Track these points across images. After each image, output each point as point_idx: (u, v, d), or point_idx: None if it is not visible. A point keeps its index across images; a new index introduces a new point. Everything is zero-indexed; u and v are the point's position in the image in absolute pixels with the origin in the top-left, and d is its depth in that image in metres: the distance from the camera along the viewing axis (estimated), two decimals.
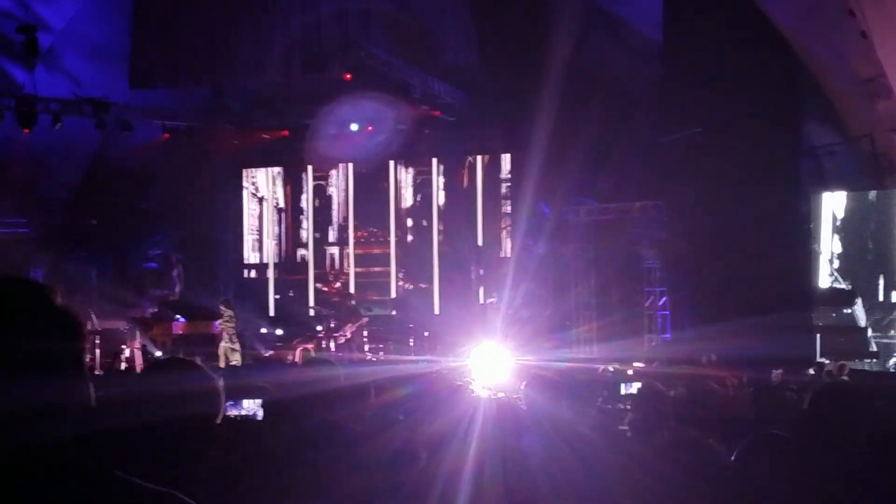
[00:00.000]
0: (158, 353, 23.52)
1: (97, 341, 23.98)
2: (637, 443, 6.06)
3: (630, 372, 18.20)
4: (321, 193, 29.24)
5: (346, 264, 28.86)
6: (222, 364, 22.32)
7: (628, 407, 10.26)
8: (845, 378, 14.60)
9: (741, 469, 3.41)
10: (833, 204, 20.71)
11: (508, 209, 27.24)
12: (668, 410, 6.86)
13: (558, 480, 4.99)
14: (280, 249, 29.63)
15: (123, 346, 22.91)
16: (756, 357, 16.65)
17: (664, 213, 22.27)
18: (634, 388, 8.93)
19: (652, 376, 15.31)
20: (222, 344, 23.34)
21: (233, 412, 8.51)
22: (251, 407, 8.51)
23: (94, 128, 24.92)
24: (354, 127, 26.58)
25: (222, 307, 23.82)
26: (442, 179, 28.03)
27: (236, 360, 23.02)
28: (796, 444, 3.43)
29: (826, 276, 20.97)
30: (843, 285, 20.79)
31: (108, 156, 27.53)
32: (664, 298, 23.03)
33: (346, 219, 28.93)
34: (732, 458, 3.43)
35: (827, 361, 16.96)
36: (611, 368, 18.48)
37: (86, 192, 27.58)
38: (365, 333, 23.53)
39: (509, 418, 3.48)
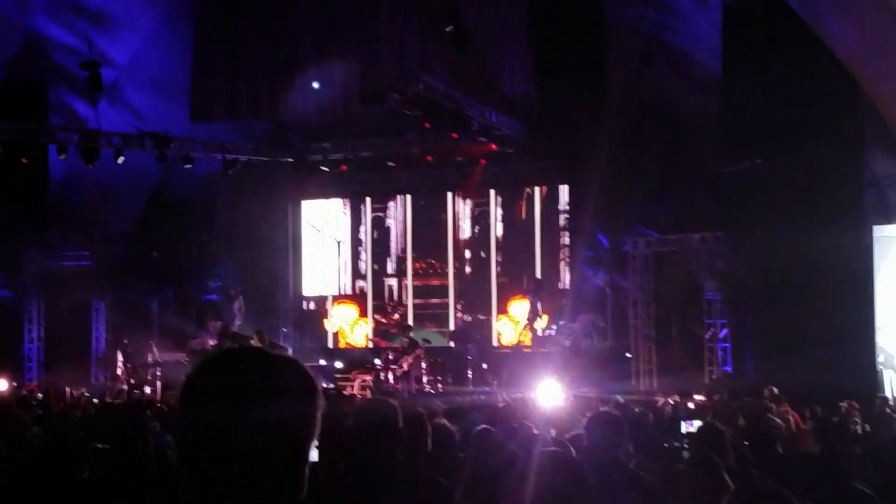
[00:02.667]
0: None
1: (158, 373, 24.24)
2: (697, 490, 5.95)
3: (691, 405, 17.96)
4: (380, 225, 29.35)
5: (404, 296, 28.90)
6: None
7: (686, 446, 10.14)
8: None
9: None
10: None
11: (567, 240, 27.14)
12: (728, 451, 6.76)
13: None
14: (339, 281, 29.73)
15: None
16: (819, 390, 16.40)
17: (725, 245, 22.04)
18: (695, 426, 8.80)
19: (713, 410, 15.11)
20: None
21: None
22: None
23: (155, 161, 25.23)
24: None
25: (256, 338, 23.63)
26: (500, 211, 28.01)
27: None
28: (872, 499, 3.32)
29: None
30: None
31: (170, 189, 27.90)
32: (725, 330, 22.76)
33: (404, 250, 28.99)
34: None
35: (890, 396, 16.62)
36: (671, 401, 18.26)
37: (147, 225, 27.96)
38: (423, 365, 23.47)
39: (563, 477, 3.42)
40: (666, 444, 11.38)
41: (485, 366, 24.52)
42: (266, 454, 1.99)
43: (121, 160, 24.41)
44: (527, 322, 25.60)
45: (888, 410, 14.84)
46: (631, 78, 24.26)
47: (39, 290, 26.38)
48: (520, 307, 26.68)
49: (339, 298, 29.38)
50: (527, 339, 25.96)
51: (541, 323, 25.13)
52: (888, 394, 17.85)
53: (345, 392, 20.72)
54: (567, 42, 22.81)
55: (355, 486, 4.39)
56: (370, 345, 27.45)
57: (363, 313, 29.06)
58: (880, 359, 18.86)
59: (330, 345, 28.91)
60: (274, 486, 2.00)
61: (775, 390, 16.14)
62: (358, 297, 29.32)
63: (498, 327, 27.51)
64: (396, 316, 28.58)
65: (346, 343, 29.06)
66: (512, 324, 27.24)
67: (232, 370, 2.06)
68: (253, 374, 2.04)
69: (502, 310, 27.58)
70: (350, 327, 29.20)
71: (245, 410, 1.98)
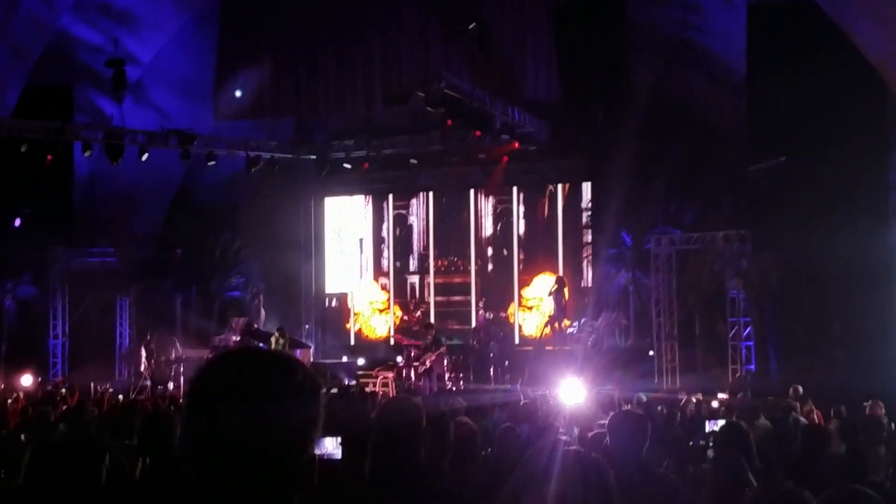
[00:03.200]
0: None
1: (181, 369, 24.36)
2: (721, 489, 5.94)
3: (714, 404, 17.91)
4: (402, 223, 29.39)
5: (426, 293, 28.93)
6: None
7: (710, 445, 10.12)
8: None
9: None
10: None
11: (589, 238, 27.09)
12: (752, 451, 6.74)
13: None
14: (361, 279, 29.78)
15: None
16: (844, 390, 16.33)
17: (749, 243, 21.97)
18: (719, 425, 8.78)
19: (737, 409, 15.06)
20: None
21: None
22: (330, 446, 8.46)
23: (179, 160, 25.34)
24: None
25: (277, 335, 23.76)
26: (522, 208, 28.00)
27: None
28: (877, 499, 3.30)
29: None
30: None
31: (193, 188, 28.04)
32: (748, 329, 22.69)
33: (426, 248, 29.03)
34: None
35: None
36: (694, 400, 18.22)
37: (171, 224, 28.11)
38: (445, 363, 23.48)
39: (587, 477, 3.42)
40: (690, 443, 11.37)
41: (507, 363, 24.52)
42: (268, 451, 2.04)
43: (145, 157, 24.50)
44: (549, 320, 25.57)
45: None
46: (655, 77, 24.21)
47: (64, 288, 26.58)
48: (544, 282, 26.64)
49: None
50: (545, 331, 25.87)
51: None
52: None
53: (367, 389, 20.74)
54: (591, 41, 22.75)
55: (378, 484, 4.39)
56: (392, 342, 27.51)
57: (387, 304, 29.14)
58: None
59: (352, 342, 28.98)
60: (277, 482, 2.05)
61: (800, 389, 16.07)
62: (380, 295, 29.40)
63: (519, 319, 27.50)
64: (418, 314, 28.63)
65: (365, 335, 29.12)
66: (535, 306, 27.17)
67: (236, 370, 2.10)
68: (256, 374, 2.08)
69: (526, 283, 27.58)
70: (372, 311, 29.25)
71: (248, 409, 2.02)
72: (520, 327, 27.49)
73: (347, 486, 4.69)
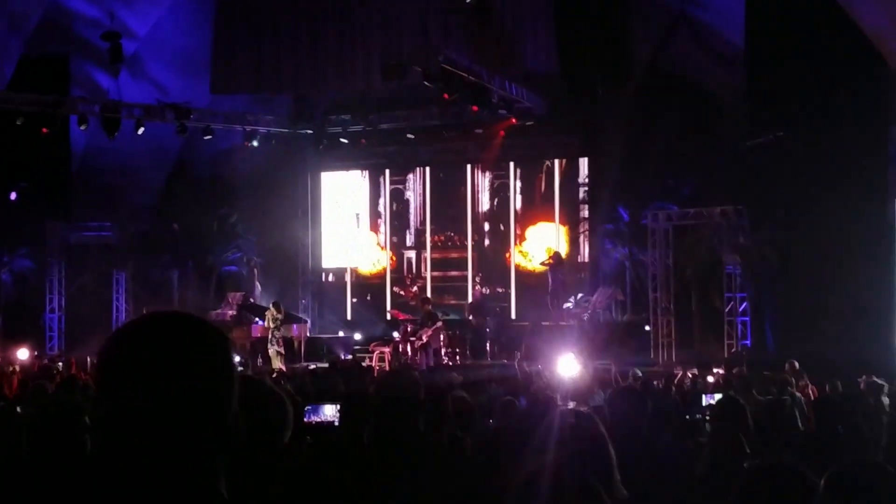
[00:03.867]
0: (237, 359, 23.75)
1: None
2: (717, 463, 5.96)
3: (710, 378, 17.96)
4: (399, 197, 29.37)
5: (423, 268, 28.95)
6: (273, 367, 22.06)
7: (707, 418, 10.14)
8: None
9: (832, 499, 3.29)
10: None
11: (586, 213, 27.09)
12: (748, 425, 6.75)
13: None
14: (358, 253, 29.79)
15: None
16: (840, 365, 16.37)
17: (746, 218, 21.97)
18: (716, 399, 8.81)
19: (733, 383, 15.10)
20: (272, 347, 23.19)
21: (313, 419, 8.56)
22: (330, 413, 8.53)
23: (176, 134, 25.30)
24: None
25: (273, 309, 23.69)
26: (519, 184, 27.98)
27: (278, 365, 22.54)
28: (890, 471, 3.31)
29: None
30: None
31: (191, 162, 27.99)
32: (745, 304, 22.73)
33: (423, 223, 29.02)
34: (822, 485, 3.31)
35: None
36: (690, 375, 18.27)
37: (168, 198, 28.08)
38: (442, 338, 23.52)
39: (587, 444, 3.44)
40: (687, 417, 11.41)
41: (503, 339, 24.57)
42: (178, 420, 1.99)
43: (141, 131, 24.48)
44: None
45: None
46: (654, 52, 24.16)
47: (61, 262, 26.57)
48: (543, 230, 26.73)
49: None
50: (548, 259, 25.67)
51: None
52: None
53: (363, 364, 20.78)
54: (590, 16, 22.64)
55: (378, 451, 4.42)
56: (389, 317, 27.54)
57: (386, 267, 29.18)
58: None
59: (349, 317, 29.00)
60: (193, 449, 2.00)
61: (796, 364, 16.13)
62: (377, 270, 29.44)
63: (517, 259, 27.51)
64: (415, 289, 28.64)
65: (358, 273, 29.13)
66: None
67: (136, 344, 2.04)
68: (157, 345, 2.02)
69: (522, 236, 27.66)
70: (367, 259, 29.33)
71: (153, 383, 1.98)
72: (517, 265, 27.48)
73: (346, 451, 4.72)
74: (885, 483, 3.32)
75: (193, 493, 1.97)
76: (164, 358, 1.99)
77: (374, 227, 29.63)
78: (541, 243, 26.51)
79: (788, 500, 3.35)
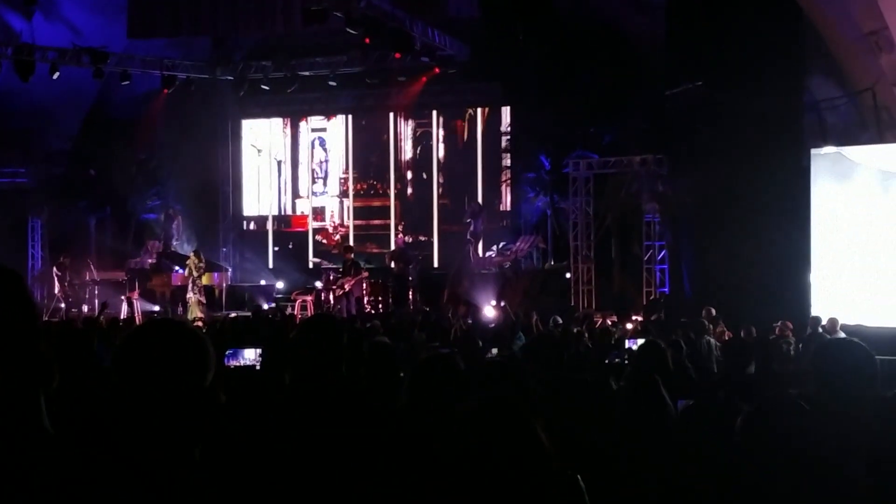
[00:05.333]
0: (157, 308, 23.51)
1: (96, 292, 24.06)
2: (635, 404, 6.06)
3: (629, 325, 18.23)
4: (320, 145, 29.17)
5: (345, 216, 28.85)
6: (191, 316, 21.77)
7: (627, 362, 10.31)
8: (841, 333, 14.63)
9: (749, 435, 3.37)
10: None
11: (508, 162, 27.17)
12: (668, 369, 6.88)
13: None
14: (279, 201, 29.61)
15: (122, 297, 22.87)
16: (755, 310, 16.70)
17: (665, 167, 22.21)
18: (639, 343, 8.99)
19: (651, 329, 15.35)
20: (193, 296, 22.88)
21: (233, 363, 8.53)
22: (251, 357, 8.52)
23: (92, 78, 24.80)
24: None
25: (193, 257, 23.30)
26: (442, 132, 27.94)
27: (197, 313, 22.35)
28: (805, 408, 3.39)
29: None
30: None
31: (108, 106, 27.43)
32: (664, 252, 23.03)
33: (345, 171, 28.88)
34: (739, 422, 3.39)
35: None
36: (609, 322, 18.52)
37: (85, 143, 27.49)
38: (364, 286, 23.52)
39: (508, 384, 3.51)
40: (606, 361, 11.58)
41: (425, 286, 24.60)
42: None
43: (56, 76, 23.97)
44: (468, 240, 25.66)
45: (820, 330, 15.15)
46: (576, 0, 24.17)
47: None
48: None
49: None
50: None
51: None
52: None
53: (286, 313, 20.72)
54: None
55: (299, 392, 4.43)
56: (311, 265, 27.45)
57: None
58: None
59: (271, 266, 28.82)
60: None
61: (713, 311, 16.42)
62: (298, 218, 29.27)
63: None
64: (338, 237, 28.56)
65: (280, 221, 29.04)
66: None
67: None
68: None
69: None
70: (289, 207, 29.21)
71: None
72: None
73: (267, 393, 4.72)
74: (801, 419, 3.40)
75: (14, 428, 2.10)
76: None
77: (296, 175, 29.42)
78: None
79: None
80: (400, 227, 28.00)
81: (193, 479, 2.50)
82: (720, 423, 3.41)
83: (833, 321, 15.21)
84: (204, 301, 23.19)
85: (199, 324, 18.19)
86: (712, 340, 14.20)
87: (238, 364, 8.59)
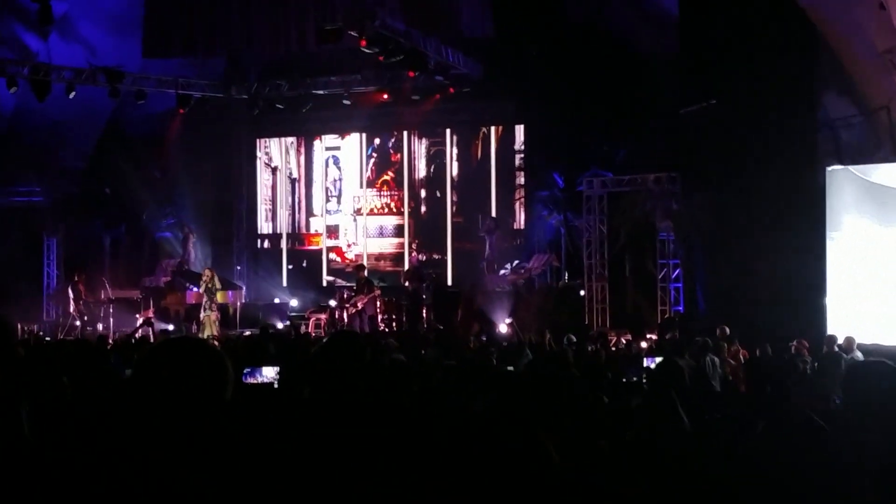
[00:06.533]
0: (170, 327, 23.47)
1: (111, 310, 24.10)
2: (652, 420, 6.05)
3: (643, 344, 18.19)
4: (334, 163, 29.24)
5: (359, 235, 28.87)
6: (205, 334, 21.48)
7: (644, 381, 10.28)
8: (857, 353, 14.57)
9: (769, 450, 3.36)
10: None
11: (522, 180, 27.17)
12: (685, 386, 6.86)
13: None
14: (293, 219, 29.66)
15: (137, 316, 22.89)
16: (771, 329, 16.63)
17: (679, 185, 22.17)
18: (657, 362, 8.96)
19: (665, 348, 15.30)
20: (209, 313, 22.67)
21: (250, 380, 8.54)
22: (270, 375, 8.53)
23: (108, 97, 24.91)
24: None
25: (208, 275, 23.14)
26: (455, 150, 27.98)
27: (212, 331, 22.09)
28: (822, 426, 3.38)
29: None
30: None
31: (123, 125, 27.55)
32: (678, 270, 22.97)
33: (359, 189, 28.91)
34: (755, 440, 3.37)
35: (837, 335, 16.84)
36: (623, 340, 18.49)
37: (101, 161, 27.60)
38: (378, 304, 23.50)
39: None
40: (624, 380, 11.55)
41: (440, 304, 24.57)
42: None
43: (72, 95, 24.10)
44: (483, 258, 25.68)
45: (836, 349, 15.08)
46: (589, 17, 24.19)
47: None
48: None
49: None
50: None
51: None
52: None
53: (300, 331, 20.73)
54: None
55: (317, 409, 4.43)
56: (325, 283, 27.47)
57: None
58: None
59: (285, 284, 28.86)
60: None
61: (727, 329, 16.34)
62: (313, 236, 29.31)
63: None
64: (352, 255, 28.58)
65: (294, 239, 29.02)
66: None
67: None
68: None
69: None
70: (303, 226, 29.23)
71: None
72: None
73: (285, 409, 4.72)
74: (817, 437, 3.39)
75: None
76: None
77: (310, 193, 29.48)
78: None
79: None
80: (414, 245, 28.01)
81: (211, 493, 2.50)
82: (736, 440, 3.40)
83: (850, 340, 15.13)
84: (219, 318, 23.06)
85: (213, 339, 18.16)
86: (716, 359, 14.14)
87: (255, 381, 8.60)
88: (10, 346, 2.80)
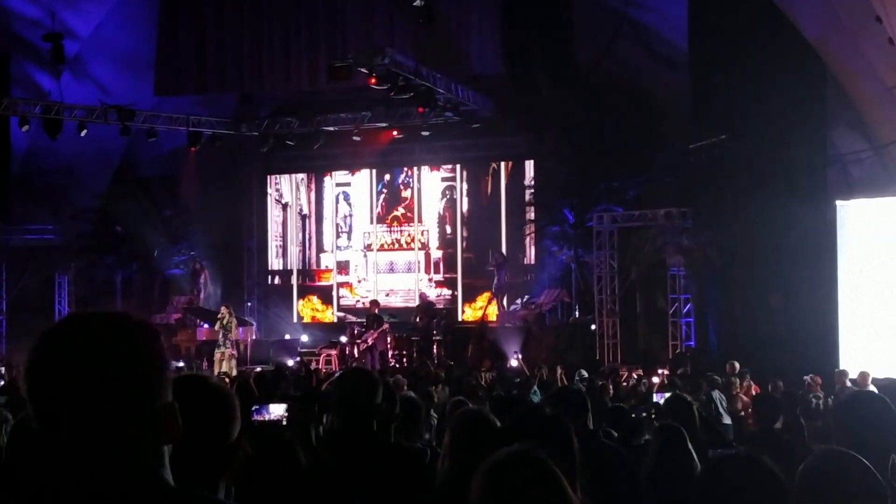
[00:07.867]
0: (181, 364, 23.42)
1: None
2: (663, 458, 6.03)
3: (655, 379, 18.12)
4: (345, 199, 29.32)
5: (370, 270, 28.90)
6: (216, 371, 21.27)
7: (654, 416, 10.25)
8: (872, 387, 14.50)
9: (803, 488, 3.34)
10: None
11: (532, 216, 27.19)
12: (695, 423, 6.85)
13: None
14: (304, 256, 29.71)
15: None
16: (782, 365, 16.58)
17: (690, 220, 22.16)
18: (665, 398, 8.96)
19: (677, 384, 15.25)
20: (225, 350, 22.64)
21: (258, 418, 8.53)
22: (278, 412, 8.52)
23: (119, 135, 25.05)
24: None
25: (225, 311, 23.14)
26: (466, 186, 28.04)
27: (228, 368, 21.88)
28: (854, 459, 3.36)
29: None
30: None
31: (134, 163, 27.71)
32: (689, 305, 22.92)
33: (370, 225, 28.97)
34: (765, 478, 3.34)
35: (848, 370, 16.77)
36: (635, 375, 18.43)
37: (112, 199, 27.72)
38: (388, 340, 23.49)
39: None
40: (633, 416, 11.50)
41: (450, 340, 24.54)
42: (108, 404, 2.00)
43: (84, 133, 24.24)
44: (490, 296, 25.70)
45: (849, 384, 15.02)
46: (599, 54, 24.29)
47: (2, 265, 26.19)
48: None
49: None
50: (492, 315, 26.02)
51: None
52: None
53: (311, 367, 20.69)
54: (536, 18, 22.79)
55: (331, 450, 4.43)
56: (336, 319, 27.47)
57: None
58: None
59: (295, 319, 28.88)
60: (127, 435, 2.01)
61: (737, 365, 16.29)
62: (323, 272, 29.33)
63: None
64: (362, 291, 28.59)
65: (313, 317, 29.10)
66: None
67: (59, 350, 2.09)
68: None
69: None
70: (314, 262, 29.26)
71: (82, 381, 2.00)
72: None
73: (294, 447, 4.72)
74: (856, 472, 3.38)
75: (130, 480, 2.00)
76: (83, 354, 2.03)
77: (320, 230, 29.54)
78: None
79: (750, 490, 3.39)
80: (424, 282, 28.02)
81: None
82: (747, 477, 3.38)
83: (864, 375, 15.05)
84: (236, 355, 22.89)
85: (226, 379, 18.07)
86: (723, 395, 14.08)
87: (263, 419, 8.59)
88: None
